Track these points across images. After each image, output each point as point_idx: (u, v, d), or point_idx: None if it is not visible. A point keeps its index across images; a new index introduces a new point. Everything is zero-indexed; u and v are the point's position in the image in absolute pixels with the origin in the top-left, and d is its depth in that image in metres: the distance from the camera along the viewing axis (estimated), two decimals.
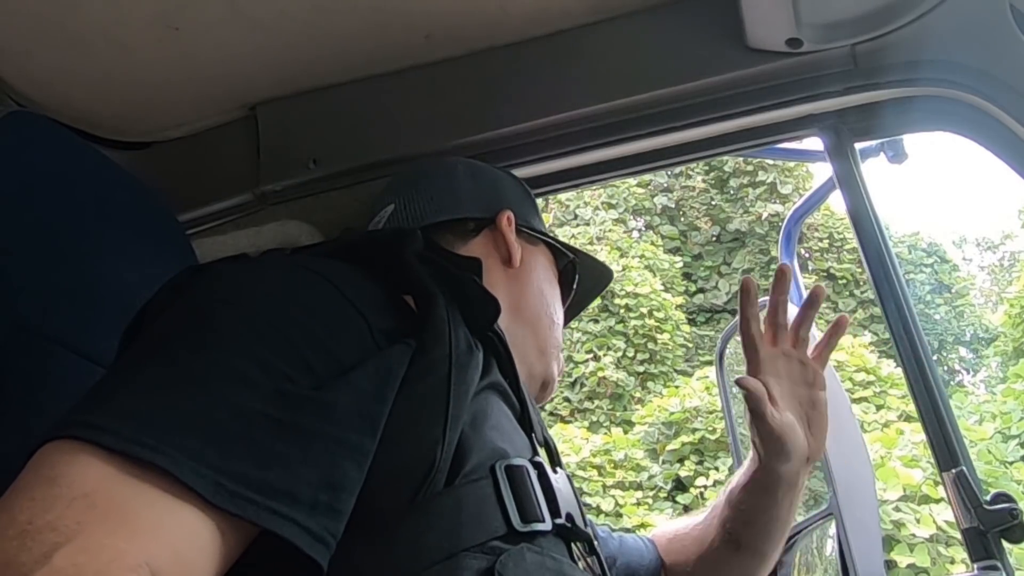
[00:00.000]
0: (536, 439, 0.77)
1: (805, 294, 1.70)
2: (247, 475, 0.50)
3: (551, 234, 1.06)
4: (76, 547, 0.44)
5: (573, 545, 0.69)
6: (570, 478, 0.76)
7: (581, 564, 0.69)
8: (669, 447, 8.88)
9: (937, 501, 5.84)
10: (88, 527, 0.45)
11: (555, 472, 0.70)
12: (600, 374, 10.66)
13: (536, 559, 0.61)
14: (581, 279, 1.08)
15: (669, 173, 13.73)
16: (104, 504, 0.47)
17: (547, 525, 0.64)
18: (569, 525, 0.67)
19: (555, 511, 0.66)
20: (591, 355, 10.83)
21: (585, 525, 0.72)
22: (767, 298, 1.07)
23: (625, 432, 9.66)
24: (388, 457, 0.58)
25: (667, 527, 1.17)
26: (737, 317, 1.06)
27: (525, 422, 0.77)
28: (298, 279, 0.64)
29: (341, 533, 0.54)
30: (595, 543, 0.75)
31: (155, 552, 0.47)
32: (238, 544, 0.53)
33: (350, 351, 0.60)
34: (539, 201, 1.15)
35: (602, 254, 11.62)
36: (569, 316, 1.12)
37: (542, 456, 0.74)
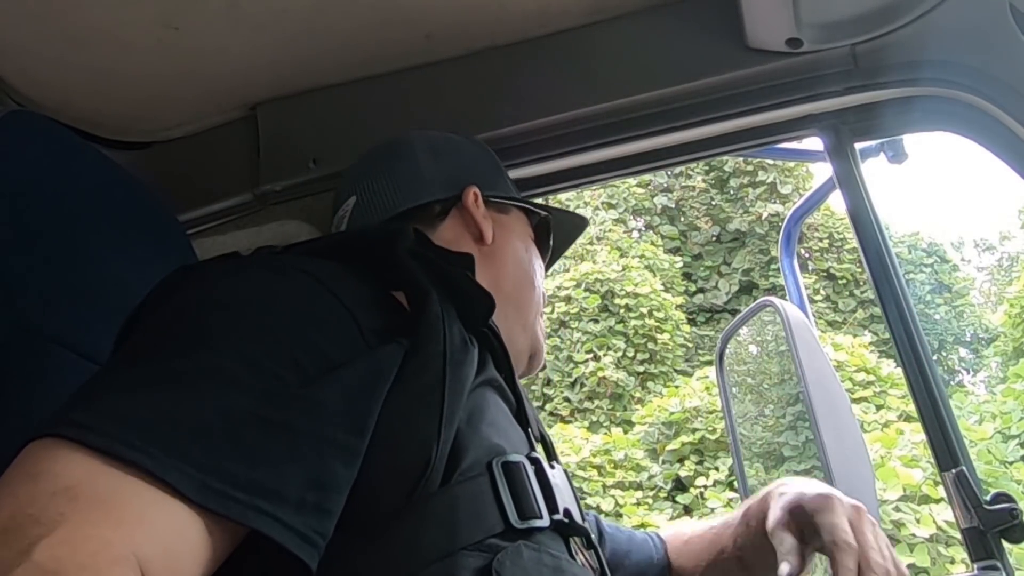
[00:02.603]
0: (532, 434, 0.77)
1: (805, 294, 1.70)
2: (233, 474, 0.50)
3: (519, 196, 1.04)
4: (57, 539, 0.43)
5: (571, 540, 0.69)
6: (567, 473, 0.75)
7: (579, 559, 0.69)
8: (669, 447, 8.87)
9: (937, 501, 5.83)
10: (71, 519, 0.45)
11: (552, 468, 0.70)
12: (600, 374, 10.65)
13: (533, 556, 0.61)
14: (555, 231, 1.06)
15: (669, 173, 13.72)
16: (87, 496, 0.46)
17: (545, 521, 0.64)
18: (567, 521, 0.67)
19: (553, 507, 0.66)
20: (591, 355, 10.82)
21: (583, 520, 0.72)
22: (766, 298, 1.07)
23: (625, 432, 9.65)
24: (384, 456, 0.58)
25: (682, 529, 1.14)
26: (737, 317, 1.06)
27: (521, 417, 0.77)
28: (287, 279, 0.64)
29: (331, 533, 0.54)
30: (593, 537, 0.75)
31: (142, 543, 0.46)
32: (226, 543, 0.52)
33: (340, 350, 0.60)
34: (538, 201, 1.15)
35: (602, 254, 11.63)
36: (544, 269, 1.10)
37: (539, 451, 0.74)
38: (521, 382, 0.85)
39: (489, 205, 0.98)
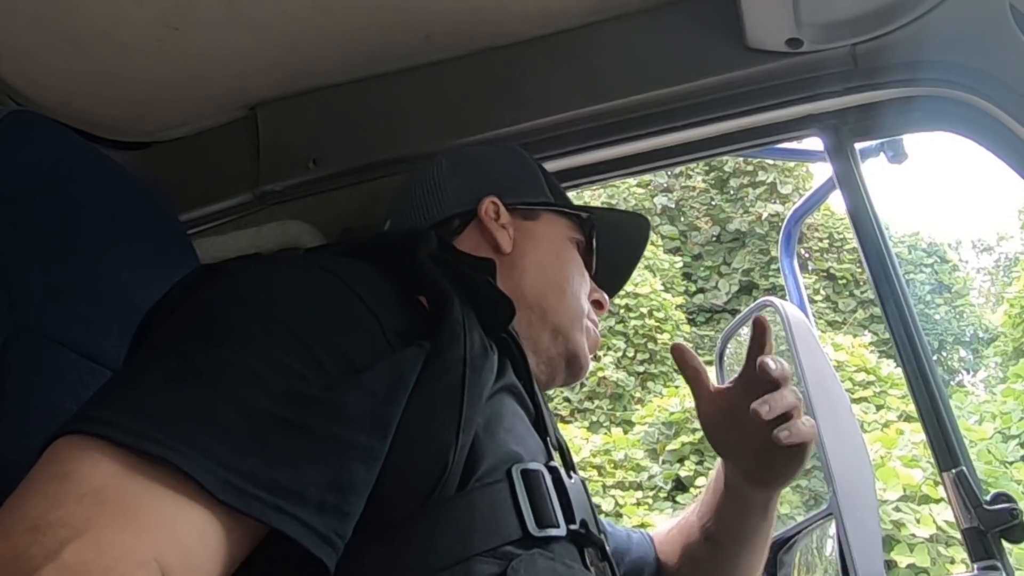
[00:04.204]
0: (551, 443, 0.77)
1: (805, 294, 1.70)
2: (255, 473, 0.50)
3: (552, 200, 1.02)
4: (85, 542, 0.45)
5: (586, 551, 0.69)
6: (584, 483, 0.75)
7: (593, 570, 0.69)
8: (669, 447, 8.87)
9: (937, 501, 5.84)
10: (98, 523, 0.46)
11: (570, 477, 0.69)
12: (600, 374, 10.65)
13: (548, 565, 0.61)
14: (608, 233, 1.03)
15: (669, 173, 13.72)
16: (114, 500, 0.47)
17: (562, 531, 0.64)
18: (583, 531, 0.67)
19: (570, 517, 0.66)
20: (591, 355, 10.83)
21: (599, 531, 0.72)
22: (766, 298, 1.07)
23: (625, 432, 9.65)
24: (401, 459, 0.58)
25: (662, 527, 1.16)
26: (737, 317, 1.06)
27: (540, 425, 0.76)
28: (311, 278, 0.64)
29: (349, 535, 0.54)
30: (607, 549, 0.74)
31: (164, 548, 0.47)
32: (245, 543, 0.53)
33: (362, 351, 0.60)
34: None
35: None
36: (619, 278, 1.11)
37: (556, 460, 0.73)
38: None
39: (515, 212, 0.97)
